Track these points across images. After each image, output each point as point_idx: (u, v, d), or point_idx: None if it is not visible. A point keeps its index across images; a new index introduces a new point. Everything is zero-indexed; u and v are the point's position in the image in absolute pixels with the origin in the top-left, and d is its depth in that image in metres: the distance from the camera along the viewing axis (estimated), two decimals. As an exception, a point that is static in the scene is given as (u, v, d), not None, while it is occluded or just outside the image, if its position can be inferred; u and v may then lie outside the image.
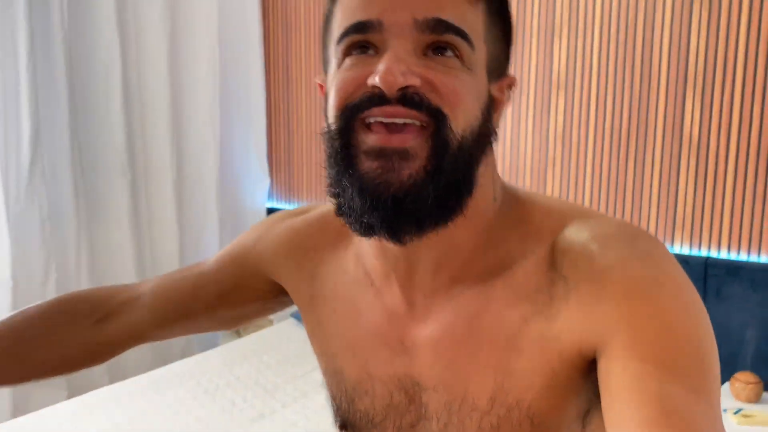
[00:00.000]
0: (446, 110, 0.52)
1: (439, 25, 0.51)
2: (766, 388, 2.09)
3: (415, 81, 0.51)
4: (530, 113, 2.65)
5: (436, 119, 0.52)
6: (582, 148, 2.56)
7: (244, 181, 3.21)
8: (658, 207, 2.41)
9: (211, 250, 2.86)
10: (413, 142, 0.52)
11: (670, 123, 2.36)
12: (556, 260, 0.56)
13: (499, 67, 0.59)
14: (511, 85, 0.61)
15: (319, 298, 0.68)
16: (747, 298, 2.22)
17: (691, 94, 2.32)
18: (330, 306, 0.67)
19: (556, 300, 0.55)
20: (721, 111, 2.26)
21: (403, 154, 0.52)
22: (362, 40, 0.53)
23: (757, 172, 2.20)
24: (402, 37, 0.51)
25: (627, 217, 2.48)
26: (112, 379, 2.40)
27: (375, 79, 0.51)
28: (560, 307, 0.55)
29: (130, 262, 2.67)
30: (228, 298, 0.76)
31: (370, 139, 0.53)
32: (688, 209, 2.35)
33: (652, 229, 2.43)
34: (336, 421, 0.69)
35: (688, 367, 0.49)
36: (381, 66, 0.51)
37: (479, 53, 0.55)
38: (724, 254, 2.32)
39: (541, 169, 2.64)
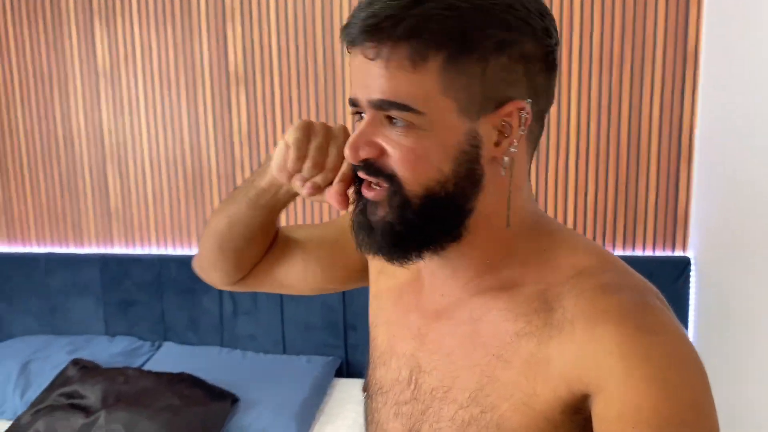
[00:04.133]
0: (399, 173, 0.62)
1: (383, 104, 0.61)
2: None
3: (370, 153, 0.63)
4: (209, 111, 2.30)
5: (390, 182, 0.63)
6: (272, 148, 2.30)
7: None
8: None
9: None
10: (378, 197, 0.64)
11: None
12: (563, 292, 0.62)
13: (486, 101, 0.62)
14: (520, 108, 0.63)
15: (383, 273, 0.81)
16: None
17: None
18: (387, 283, 0.79)
19: (550, 326, 0.61)
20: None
21: (374, 204, 0.65)
22: (355, 111, 0.66)
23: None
24: (370, 110, 0.63)
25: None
26: None
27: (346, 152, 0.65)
28: (552, 333, 0.60)
29: None
30: (337, 261, 0.89)
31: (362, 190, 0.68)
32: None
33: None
34: (363, 385, 0.81)
35: None
36: (349, 139, 0.64)
37: (437, 110, 0.61)
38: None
39: (228, 172, 2.33)
